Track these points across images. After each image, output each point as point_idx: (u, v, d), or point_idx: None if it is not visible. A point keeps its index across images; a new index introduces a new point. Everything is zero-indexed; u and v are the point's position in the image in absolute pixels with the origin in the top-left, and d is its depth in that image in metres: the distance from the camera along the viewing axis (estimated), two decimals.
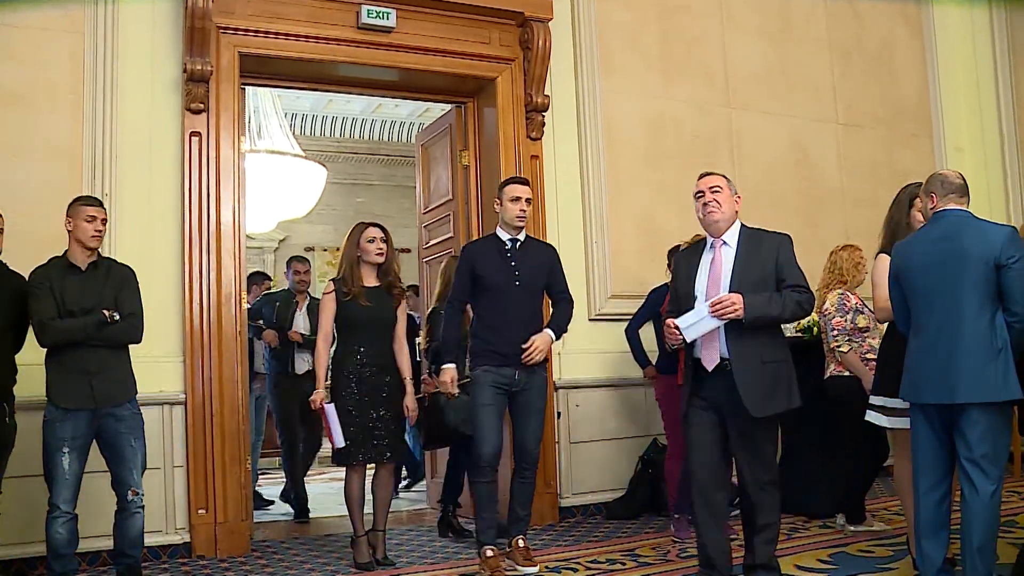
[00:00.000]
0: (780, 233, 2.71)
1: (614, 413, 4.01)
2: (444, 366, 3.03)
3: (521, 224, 3.08)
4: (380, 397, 3.02)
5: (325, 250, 8.17)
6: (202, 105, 3.27)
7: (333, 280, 3.13)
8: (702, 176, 2.73)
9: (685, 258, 2.76)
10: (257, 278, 4.75)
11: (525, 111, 3.97)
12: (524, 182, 3.14)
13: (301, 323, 4.31)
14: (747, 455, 2.51)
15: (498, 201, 3.10)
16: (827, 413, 3.49)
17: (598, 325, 4.03)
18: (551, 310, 3.14)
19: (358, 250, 3.14)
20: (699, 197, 2.69)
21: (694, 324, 2.53)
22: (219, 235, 3.34)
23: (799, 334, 3.93)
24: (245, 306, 3.45)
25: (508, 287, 2.98)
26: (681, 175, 4.27)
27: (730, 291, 2.55)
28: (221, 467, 3.20)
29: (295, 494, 4.08)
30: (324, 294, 3.13)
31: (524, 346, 2.94)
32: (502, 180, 3.19)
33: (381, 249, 3.14)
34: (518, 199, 3.06)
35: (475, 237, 4.03)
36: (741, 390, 2.48)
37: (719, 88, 4.61)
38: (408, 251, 7.99)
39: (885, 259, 2.67)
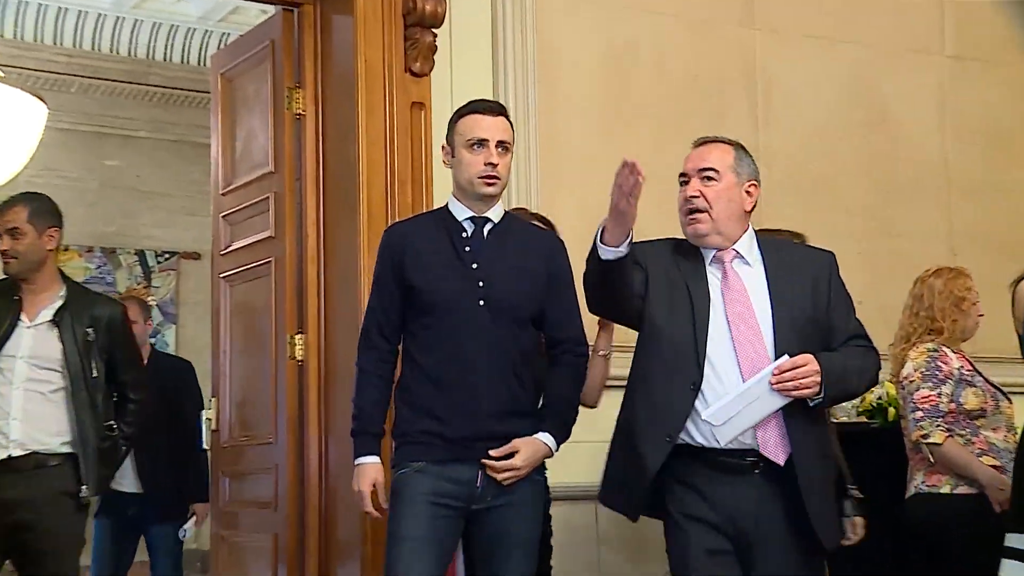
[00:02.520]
0: (822, 250, 2.78)
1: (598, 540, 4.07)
2: (359, 460, 2.80)
3: (492, 191, 2.83)
4: None
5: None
6: None
7: None
8: (697, 144, 2.75)
9: (663, 264, 2.70)
10: None
11: (404, 24, 3.94)
12: (496, 111, 2.88)
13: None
14: None
15: (447, 149, 2.88)
16: (909, 557, 3.55)
17: None
18: (548, 370, 2.93)
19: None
20: (682, 185, 2.71)
21: (737, 413, 2.52)
22: None
23: (863, 418, 4.00)
24: None
25: (465, 307, 2.76)
26: (664, 141, 4.27)
27: (776, 341, 2.58)
28: None
29: None
30: None
31: (494, 454, 2.74)
32: (456, 111, 2.94)
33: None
34: (484, 144, 2.80)
35: (313, 237, 4.00)
36: (811, 507, 2.52)
37: None
38: (196, 256, 7.77)
39: None
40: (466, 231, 2.90)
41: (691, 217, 2.69)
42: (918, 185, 4.91)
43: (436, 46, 3.99)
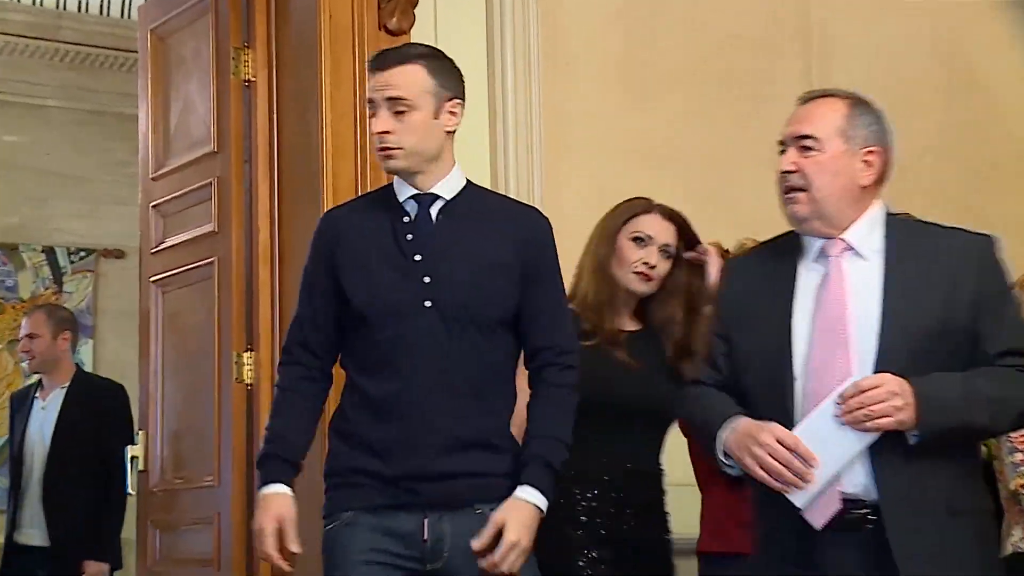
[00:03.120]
0: (977, 234, 2.59)
1: None
2: (263, 490, 2.73)
3: (390, 165, 2.71)
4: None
5: None
6: None
7: None
8: (802, 101, 2.64)
9: (752, 274, 2.71)
10: None
11: None
12: (388, 62, 2.73)
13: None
14: None
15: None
16: None
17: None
18: (530, 392, 2.81)
19: (614, 252, 3.25)
20: (783, 158, 2.62)
21: (827, 455, 2.44)
22: None
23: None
24: None
25: (406, 311, 2.66)
26: (695, 116, 4.26)
27: (878, 361, 2.45)
28: None
29: None
30: None
31: (475, 546, 2.62)
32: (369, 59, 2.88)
33: (653, 264, 3.24)
34: (372, 105, 2.73)
35: (265, 232, 4.00)
36: (905, 571, 2.42)
37: None
38: (120, 254, 7.63)
39: None
40: (408, 214, 2.76)
41: (787, 197, 2.58)
42: (1013, 166, 4.91)
43: None
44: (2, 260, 7.98)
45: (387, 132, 2.70)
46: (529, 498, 2.68)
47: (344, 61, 3.87)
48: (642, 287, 3.24)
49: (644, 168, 4.32)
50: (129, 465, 4.31)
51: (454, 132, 2.82)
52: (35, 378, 5.49)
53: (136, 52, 4.77)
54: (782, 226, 2.74)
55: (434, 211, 2.76)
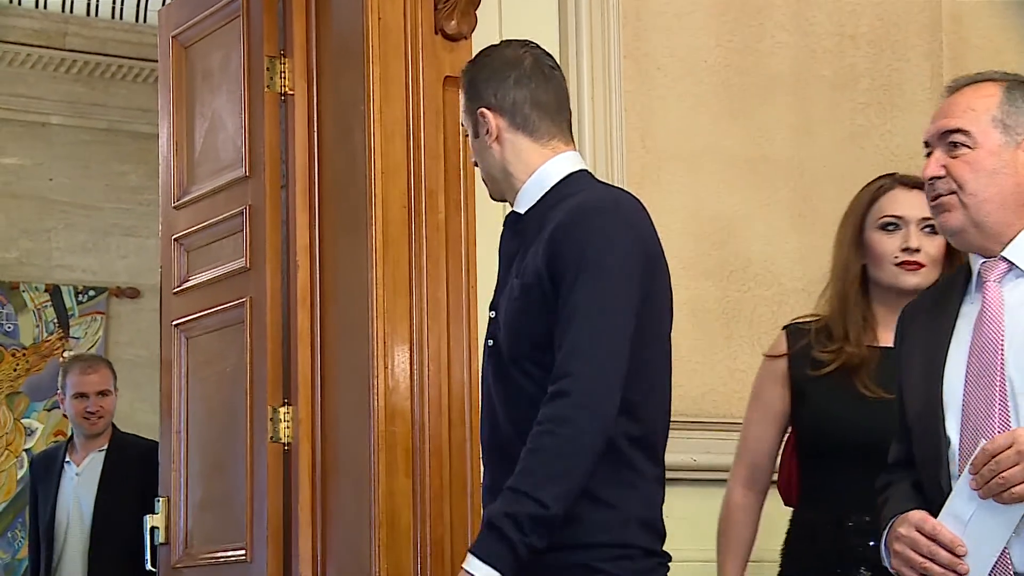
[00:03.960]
0: None
1: None
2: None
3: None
4: None
5: None
6: None
7: (790, 327, 3.37)
8: (949, 91, 2.57)
9: (915, 321, 2.67)
10: None
11: None
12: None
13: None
14: None
15: (501, 123, 2.87)
16: None
17: None
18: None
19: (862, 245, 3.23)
20: (928, 162, 2.55)
21: (979, 537, 2.40)
22: None
23: None
24: None
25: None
26: (806, 127, 4.27)
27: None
28: None
29: None
30: (766, 359, 3.43)
31: None
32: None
33: (916, 250, 3.17)
34: None
35: (304, 268, 4.00)
36: None
37: None
38: (135, 294, 7.73)
39: None
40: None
41: (935, 205, 2.50)
42: None
43: None
44: (1, 301, 8.07)
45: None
46: (468, 568, 2.64)
47: (395, 71, 3.88)
48: (913, 279, 3.17)
49: (745, 186, 4.36)
50: (149, 537, 4.34)
51: (498, 139, 2.87)
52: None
53: (152, 61, 4.91)
54: None
55: (509, 233, 2.89)
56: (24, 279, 8.11)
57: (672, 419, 3.83)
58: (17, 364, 7.81)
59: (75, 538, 5.26)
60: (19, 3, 7.99)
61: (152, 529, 4.33)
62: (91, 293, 8.19)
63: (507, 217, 2.90)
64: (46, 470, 5.44)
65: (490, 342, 2.83)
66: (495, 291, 2.90)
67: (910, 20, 4.69)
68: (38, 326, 8.07)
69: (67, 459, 5.39)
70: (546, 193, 2.83)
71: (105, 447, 5.19)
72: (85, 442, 5.35)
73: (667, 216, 4.04)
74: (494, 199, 2.97)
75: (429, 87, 3.93)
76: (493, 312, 2.85)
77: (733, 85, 4.42)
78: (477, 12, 3.99)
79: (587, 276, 2.70)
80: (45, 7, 8.12)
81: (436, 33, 3.95)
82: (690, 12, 4.40)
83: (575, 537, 2.73)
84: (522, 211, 2.83)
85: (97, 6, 8.23)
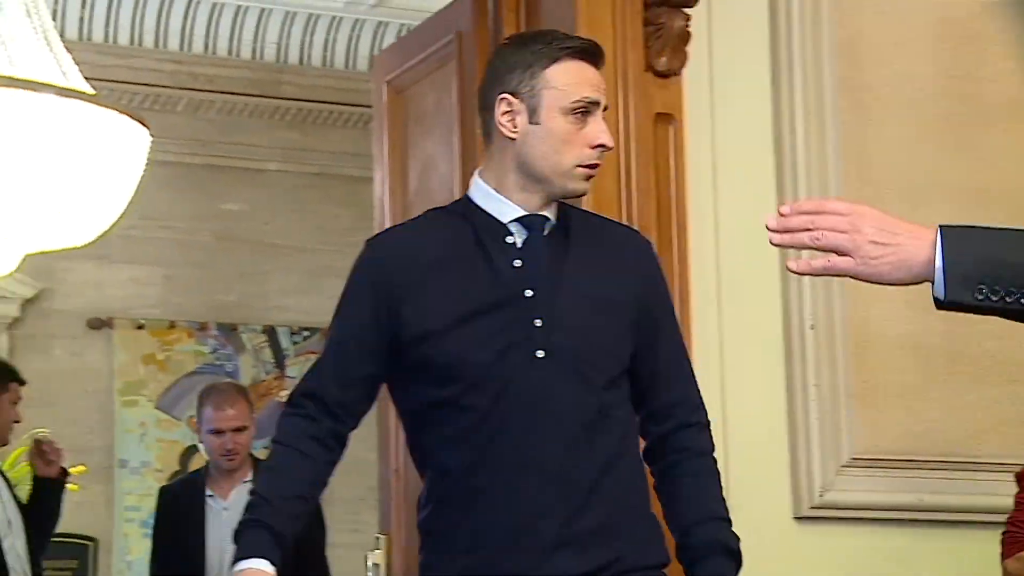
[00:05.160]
0: None
1: None
2: (239, 566, 2.57)
3: (588, 186, 2.64)
4: None
5: (141, 327, 8.22)
6: None
7: None
8: None
9: None
10: None
11: (644, 5, 4.00)
12: (592, 53, 2.64)
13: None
14: None
15: (516, 108, 2.64)
16: None
17: (824, 531, 4.08)
18: (659, 475, 2.72)
19: None
20: None
21: None
22: None
23: None
24: None
25: (520, 366, 2.55)
26: None
27: None
28: None
29: None
30: None
31: None
32: (535, 44, 2.68)
33: None
34: (592, 109, 2.59)
35: None
36: None
37: None
38: None
39: None
40: (513, 236, 2.61)
41: None
42: None
43: (690, 34, 4.02)
44: (221, 342, 8.20)
45: (609, 148, 2.62)
46: None
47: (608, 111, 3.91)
48: None
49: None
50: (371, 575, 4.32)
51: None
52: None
53: (361, 107, 4.88)
54: None
55: (543, 234, 2.64)
56: (242, 320, 8.27)
57: (890, 458, 3.75)
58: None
59: None
60: (237, 55, 8.25)
61: (374, 565, 4.35)
62: (305, 334, 8.28)
63: (531, 218, 2.63)
64: (183, 506, 5.23)
65: (540, 353, 2.55)
66: (514, 296, 2.60)
67: None
68: (256, 366, 8.18)
69: (209, 492, 5.17)
70: (562, 208, 2.69)
71: (249, 478, 4.87)
72: (227, 474, 5.14)
73: None
74: (581, 196, 2.74)
75: (640, 124, 3.98)
76: (540, 321, 2.56)
77: (954, 114, 4.40)
78: (688, 48, 4.05)
79: (675, 317, 2.87)
80: (261, 57, 8.35)
81: (647, 71, 4.00)
82: (908, 40, 4.40)
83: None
84: (554, 216, 2.66)
85: (310, 55, 8.44)
